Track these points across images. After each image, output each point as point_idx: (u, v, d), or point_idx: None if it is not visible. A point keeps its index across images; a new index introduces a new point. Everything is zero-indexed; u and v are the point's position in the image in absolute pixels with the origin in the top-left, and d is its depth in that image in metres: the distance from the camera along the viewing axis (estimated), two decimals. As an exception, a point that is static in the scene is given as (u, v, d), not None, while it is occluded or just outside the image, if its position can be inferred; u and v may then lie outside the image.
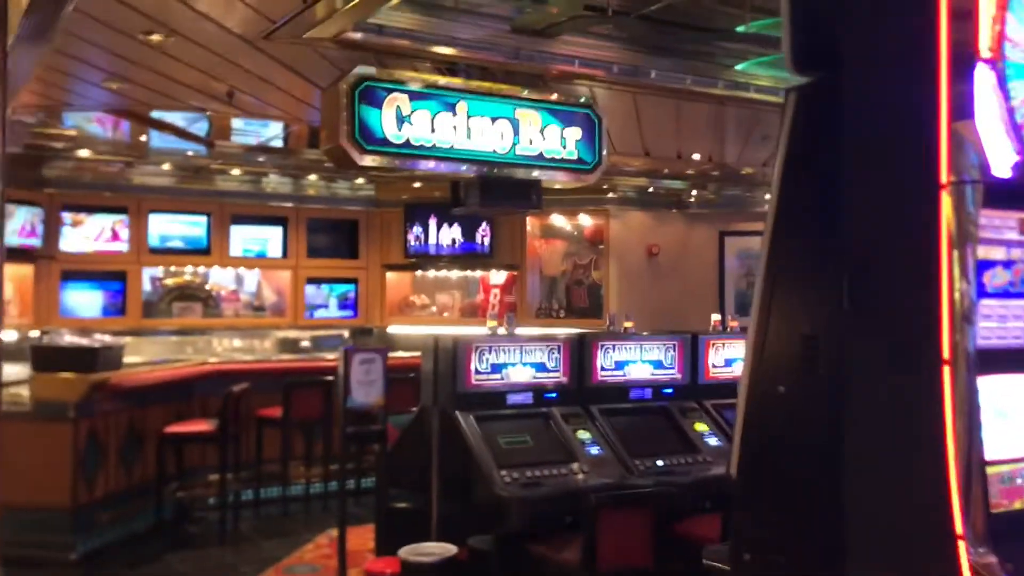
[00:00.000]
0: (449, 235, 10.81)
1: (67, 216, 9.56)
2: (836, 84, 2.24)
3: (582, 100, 4.92)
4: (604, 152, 4.95)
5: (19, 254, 8.89)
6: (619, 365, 5.23)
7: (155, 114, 6.92)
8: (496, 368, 4.89)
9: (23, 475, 6.22)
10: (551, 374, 5.03)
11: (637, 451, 4.87)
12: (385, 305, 11.23)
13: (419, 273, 11.33)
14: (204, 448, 7.46)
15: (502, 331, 5.07)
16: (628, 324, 5.40)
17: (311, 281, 10.93)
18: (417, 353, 8.69)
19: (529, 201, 4.97)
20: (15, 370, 6.85)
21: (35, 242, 9.03)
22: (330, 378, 7.84)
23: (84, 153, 8.37)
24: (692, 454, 5.01)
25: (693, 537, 4.45)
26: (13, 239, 8.71)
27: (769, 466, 2.48)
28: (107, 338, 6.64)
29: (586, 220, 11.08)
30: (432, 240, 10.84)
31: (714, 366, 5.51)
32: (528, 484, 4.40)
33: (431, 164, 4.55)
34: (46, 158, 8.79)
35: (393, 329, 11.34)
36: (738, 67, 4.25)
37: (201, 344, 10.52)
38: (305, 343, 11.13)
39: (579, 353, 5.12)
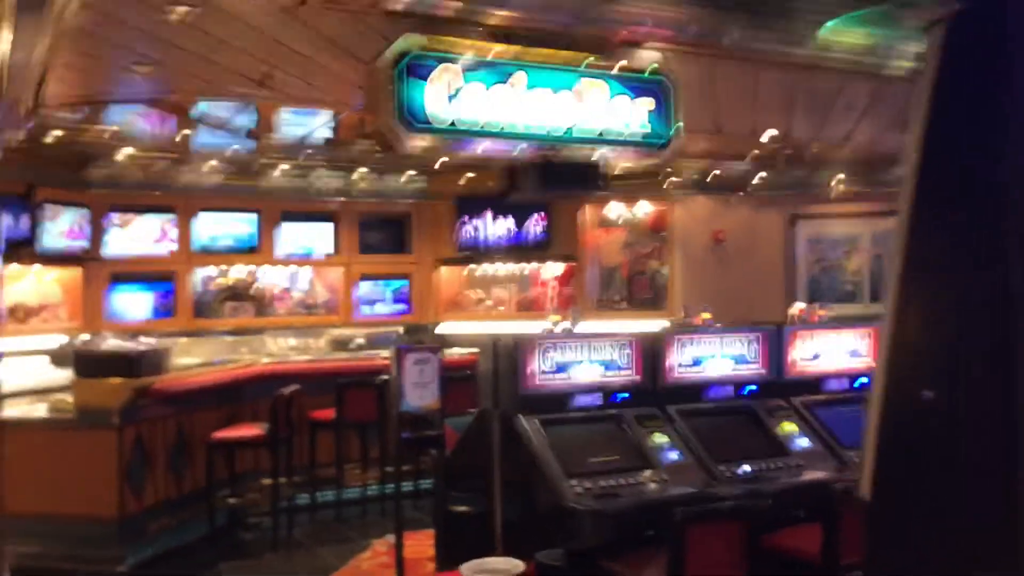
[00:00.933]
0: (503, 227, 10.42)
1: (114, 217, 9.35)
2: (997, 5, 1.77)
3: (653, 67, 4.46)
4: (680, 125, 4.49)
5: (66, 257, 8.70)
6: (696, 361, 4.78)
7: (200, 108, 6.65)
8: (561, 367, 4.47)
9: (68, 485, 6.00)
10: (622, 372, 4.60)
11: (720, 455, 4.42)
12: (439, 301, 10.87)
13: (473, 267, 10.95)
14: (256, 452, 7.18)
15: (565, 326, 4.65)
16: (706, 316, 4.95)
17: (363, 278, 10.61)
18: (474, 350, 8.38)
19: (593, 183, 4.53)
20: (64, 375, 6.62)
21: (82, 244, 8.83)
22: (384, 378, 7.49)
23: (128, 151, 8.12)
24: (781, 458, 4.55)
25: (788, 551, 4.00)
26: (60, 241, 8.52)
27: (914, 485, 2.02)
28: (151, 341, 6.38)
29: (646, 207, 10.59)
30: (485, 233, 10.46)
31: (800, 360, 5.03)
32: (601, 495, 3.99)
33: (484, 144, 4.13)
34: (91, 158, 8.57)
35: (447, 326, 10.98)
36: (827, 24, 3.76)
37: (256, 344, 10.26)
38: (359, 341, 10.81)
39: (652, 349, 4.69)
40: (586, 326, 9.75)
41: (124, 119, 7.38)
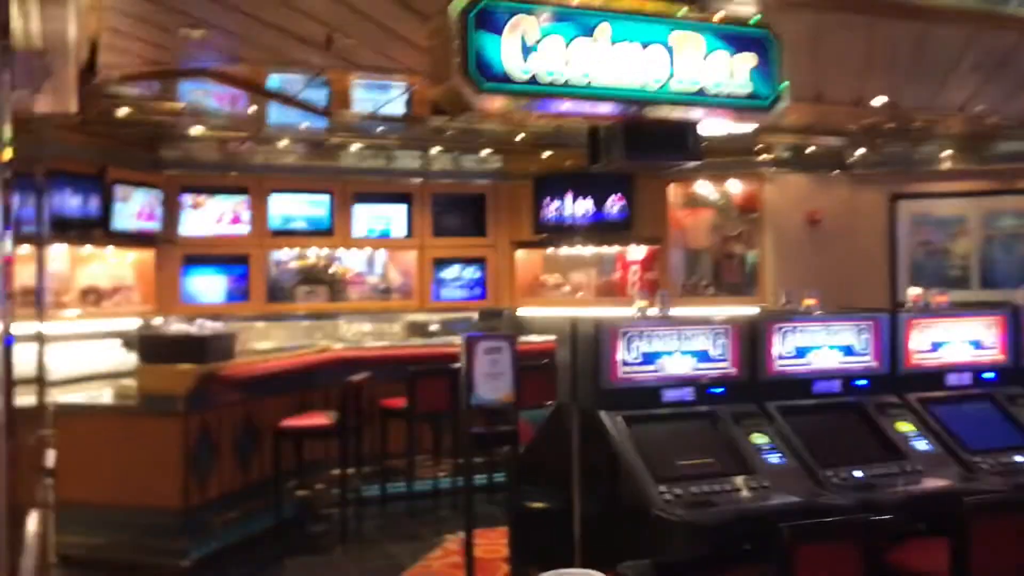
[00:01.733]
0: (583, 207, 9.96)
1: (187, 199, 9.22)
2: None
3: (755, 19, 3.96)
4: (786, 85, 3.97)
5: (138, 238, 8.58)
6: (800, 352, 4.29)
7: (272, 82, 6.37)
8: (648, 358, 4.03)
9: (132, 474, 5.81)
10: (716, 364, 4.13)
11: (827, 459, 3.93)
12: (515, 285, 10.49)
13: (551, 250, 10.53)
14: (326, 442, 6.92)
15: (653, 312, 4.20)
16: (810, 302, 4.43)
17: (438, 261, 10.30)
18: (552, 337, 7.96)
19: (689, 150, 4.04)
20: (133, 360, 6.43)
21: (154, 226, 8.70)
22: (458, 366, 7.15)
23: (199, 130, 7.92)
24: (896, 462, 4.03)
25: (912, 570, 3.50)
26: (132, 223, 8.39)
27: None
28: (218, 326, 6.14)
29: (735, 186, 10.01)
30: (565, 214, 10.01)
31: (918, 352, 4.48)
32: (695, 503, 3.54)
33: (564, 104, 3.66)
34: (163, 138, 8.42)
35: (524, 311, 10.60)
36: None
37: (330, 329, 10.06)
38: (434, 327, 10.52)
39: (751, 338, 4.20)
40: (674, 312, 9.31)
41: (195, 96, 7.16)
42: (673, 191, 10.01)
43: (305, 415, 6.58)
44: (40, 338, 4.22)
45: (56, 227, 7.66)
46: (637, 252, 10.24)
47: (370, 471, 7.17)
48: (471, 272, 10.50)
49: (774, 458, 3.88)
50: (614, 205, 9.91)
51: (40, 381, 4.11)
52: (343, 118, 7.55)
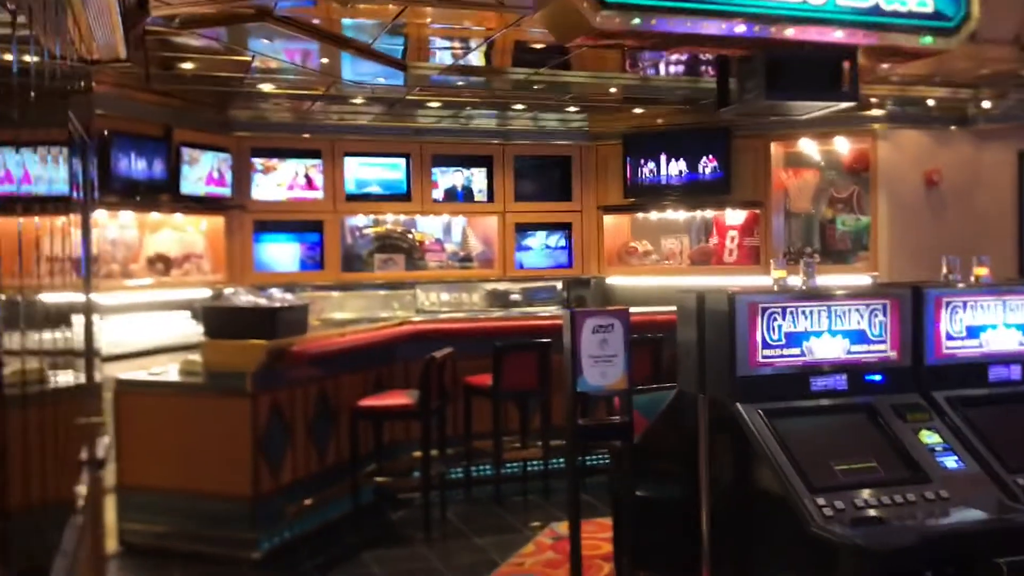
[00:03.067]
0: (676, 168, 9.23)
1: (258, 162, 8.76)
2: None
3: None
4: (974, 3, 3.22)
5: (207, 204, 8.16)
6: (972, 332, 3.57)
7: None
8: (793, 339, 3.36)
9: (197, 457, 5.38)
10: (874, 347, 3.44)
11: (1017, 463, 3.21)
12: (602, 253, 9.82)
13: (641, 215, 9.82)
14: (406, 423, 6.41)
15: (793, 283, 3.52)
16: (981, 271, 3.70)
17: (520, 227, 9.69)
18: (647, 310, 7.34)
19: (842, 87, 3.32)
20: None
21: (223, 191, 8.27)
22: (546, 341, 6.56)
23: (269, 88, 7.42)
24: (1100, 467, 3.29)
25: None
26: (199, 187, 7.96)
27: None
28: (289, 297, 5.63)
29: (843, 145, 9.15)
30: (658, 176, 9.29)
31: (1116, 332, 3.71)
32: (862, 520, 2.88)
33: (687, 23, 2.95)
34: (232, 98, 7.94)
35: (612, 280, 9.95)
36: None
37: (407, 299, 9.57)
38: (515, 296, 9.95)
39: (914, 315, 3.49)
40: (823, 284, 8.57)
41: (265, 46, 6.63)
42: (774, 149, 9.19)
43: (384, 394, 6.07)
44: (88, 310, 3.73)
45: (121, 192, 7.26)
46: (735, 217, 9.48)
47: (453, 453, 6.64)
48: (556, 239, 9.88)
49: (950, 462, 3.19)
50: (708, 166, 9.15)
51: (87, 358, 3.64)
52: (420, 72, 6.95)
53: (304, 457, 5.75)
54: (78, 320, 3.69)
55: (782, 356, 3.34)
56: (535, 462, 6.88)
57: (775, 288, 3.53)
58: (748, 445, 3.19)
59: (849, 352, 3.41)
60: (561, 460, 7.02)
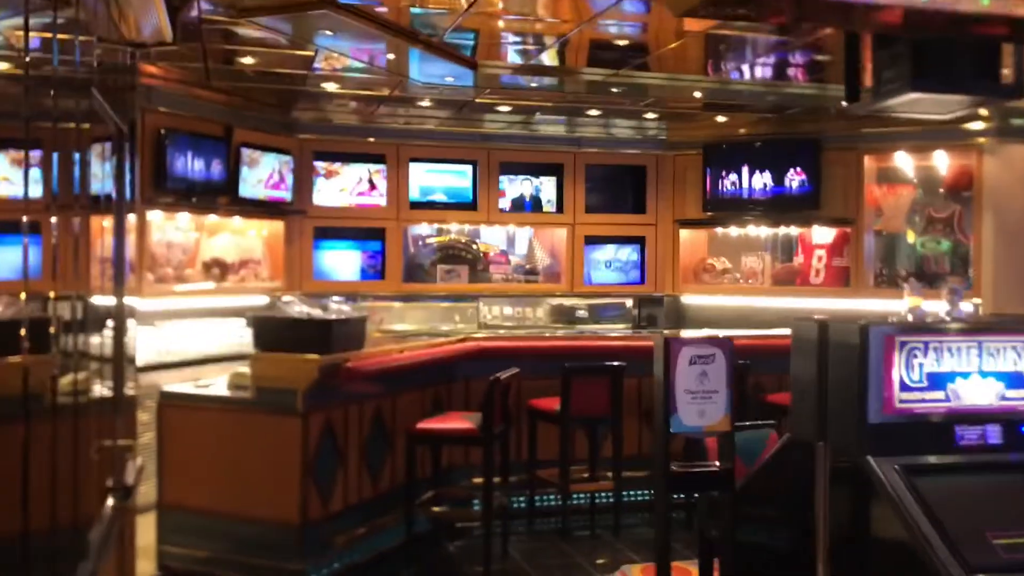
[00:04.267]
0: (760, 182, 8.64)
1: (320, 166, 8.42)
2: None
3: None
4: None
5: (266, 207, 7.82)
6: None
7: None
8: (936, 381, 2.81)
9: (242, 478, 4.98)
10: (1034, 392, 2.87)
11: None
12: (678, 269, 9.27)
13: (720, 231, 9.24)
14: (466, 447, 5.96)
15: (932, 310, 2.97)
16: None
17: (590, 240, 9.19)
18: (737, 334, 6.82)
19: (996, 80, 2.76)
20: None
21: (284, 194, 7.93)
22: (620, 364, 6.05)
23: (333, 87, 7.05)
24: None
25: None
26: (259, 190, 7.63)
27: None
28: (346, 308, 5.21)
29: (943, 160, 8.46)
30: (739, 189, 8.72)
31: None
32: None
33: None
34: (295, 97, 7.61)
35: (687, 299, 9.38)
36: None
37: (469, 313, 9.14)
38: (581, 312, 9.46)
39: (1082, 355, 2.91)
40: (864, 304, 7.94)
41: (329, 40, 6.28)
42: (867, 163, 8.55)
43: (444, 416, 5.61)
44: (120, 316, 3.35)
45: (177, 193, 6.96)
46: (823, 235, 8.84)
47: (516, 481, 6.15)
48: (627, 253, 9.35)
49: None
50: (796, 180, 8.56)
51: (117, 369, 3.25)
52: (490, 71, 6.51)
53: (356, 482, 5.31)
54: (108, 327, 3.32)
55: (923, 401, 2.79)
56: (604, 495, 6.35)
57: (909, 318, 2.98)
58: (881, 508, 2.64)
59: (1004, 398, 2.84)
60: (633, 493, 6.51)
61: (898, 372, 2.76)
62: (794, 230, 9.05)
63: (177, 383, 5.67)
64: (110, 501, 3.05)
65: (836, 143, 8.47)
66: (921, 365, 2.78)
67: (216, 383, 5.43)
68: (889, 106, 2.88)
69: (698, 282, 9.32)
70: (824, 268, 8.80)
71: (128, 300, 3.66)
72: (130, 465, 3.49)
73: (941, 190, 8.56)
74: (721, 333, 6.16)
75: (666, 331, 7.65)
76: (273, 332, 5.01)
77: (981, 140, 8.12)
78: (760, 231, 9.15)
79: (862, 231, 8.51)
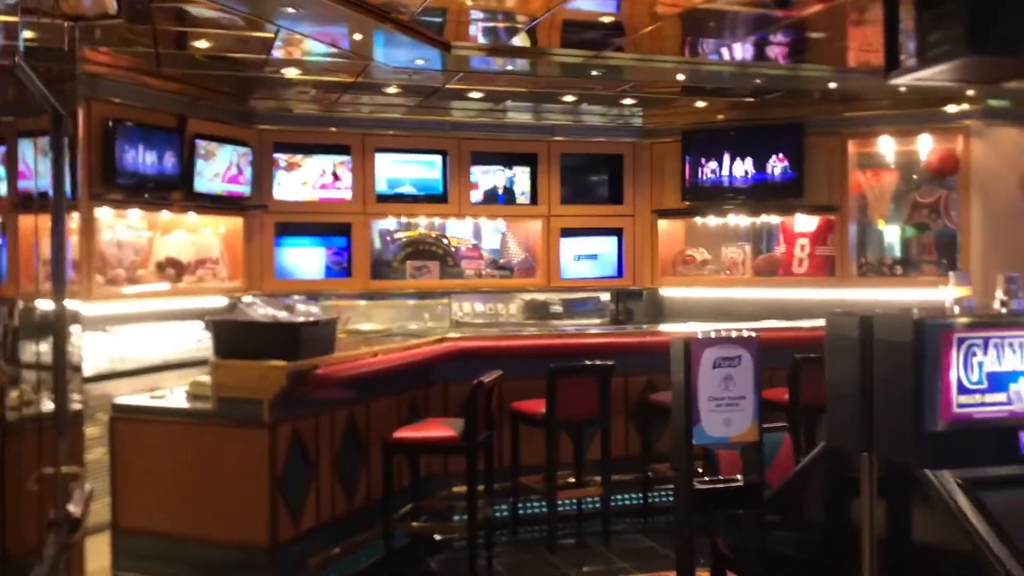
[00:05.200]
0: (740, 169, 8.35)
1: (281, 158, 7.96)
2: None
3: None
4: None
5: (223, 203, 7.36)
6: None
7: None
8: (996, 382, 2.48)
9: (206, 498, 4.56)
10: (1104, 392, 2.55)
11: None
12: (656, 261, 8.94)
13: (699, 220, 8.93)
14: (447, 456, 5.59)
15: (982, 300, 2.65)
16: None
17: (566, 233, 8.83)
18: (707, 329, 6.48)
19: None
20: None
21: (242, 188, 7.47)
22: (608, 364, 5.70)
23: (294, 73, 6.61)
24: None
25: None
26: (216, 185, 7.17)
27: None
28: (314, 310, 4.80)
29: (927, 143, 8.22)
30: (719, 176, 8.42)
31: None
32: None
33: None
34: (253, 85, 7.14)
35: (666, 292, 9.07)
36: None
37: (439, 310, 8.76)
38: (556, 308, 9.13)
39: None
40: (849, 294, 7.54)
41: (290, 18, 5.85)
42: (851, 148, 8.29)
43: (422, 424, 5.22)
44: (61, 322, 2.92)
45: (128, 188, 6.48)
46: (805, 223, 8.57)
47: (500, 487, 5.78)
48: (604, 245, 9.00)
49: None
50: (778, 166, 8.27)
51: (58, 384, 2.83)
52: (461, 53, 6.11)
53: (330, 497, 4.91)
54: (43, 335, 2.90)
55: (983, 405, 2.47)
56: (591, 500, 6.01)
57: (955, 310, 2.65)
58: (940, 525, 2.31)
59: (1071, 399, 2.52)
60: (623, 497, 6.20)
61: (956, 373, 2.43)
62: (775, 219, 8.77)
63: (131, 394, 5.23)
64: (53, 536, 2.65)
65: (819, 128, 8.21)
66: (981, 364, 2.45)
67: (174, 393, 4.99)
68: (933, 75, 2.54)
69: (677, 274, 9.00)
70: (807, 257, 8.53)
71: (72, 304, 3.22)
72: (77, 494, 3.06)
73: (915, 176, 8.33)
74: (739, 329, 5.87)
75: (668, 327, 7.32)
76: (235, 337, 4.58)
77: (967, 123, 7.90)
78: (740, 220, 8.85)
79: (847, 218, 8.25)
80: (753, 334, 2.74)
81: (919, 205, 8.33)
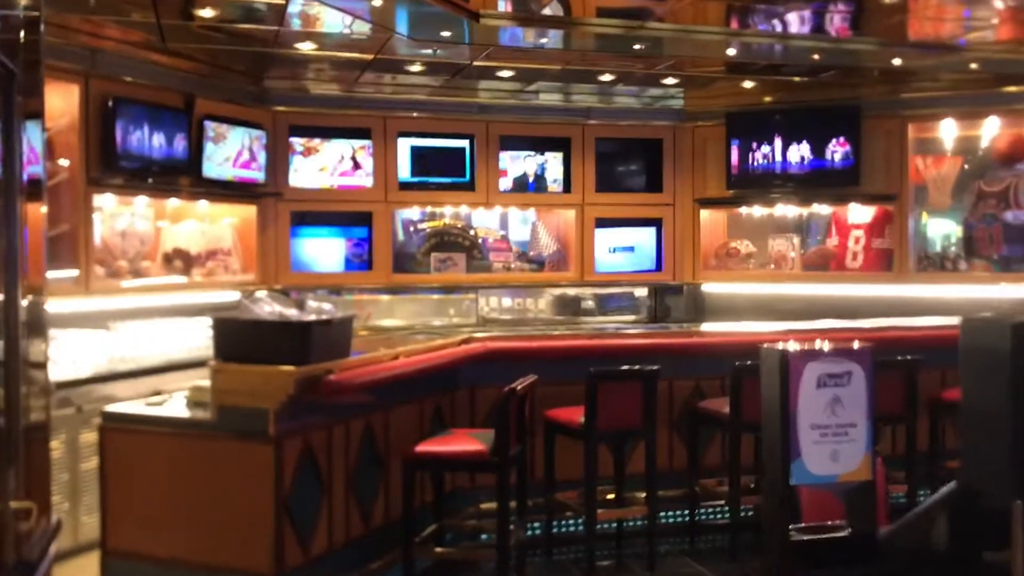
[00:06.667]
0: (796, 155, 7.73)
1: (297, 142, 7.44)
2: None
3: None
4: None
5: (235, 190, 6.86)
6: None
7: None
8: None
9: (205, 519, 4.05)
10: None
11: None
12: (698, 254, 8.36)
13: (744, 211, 8.33)
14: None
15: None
16: None
17: (601, 223, 8.26)
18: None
19: None
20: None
21: (255, 174, 6.96)
22: (654, 368, 5.12)
23: (309, 48, 6.08)
24: None
25: None
26: (226, 170, 6.66)
27: None
28: (328, 307, 4.26)
29: (992, 127, 7.58)
30: (772, 163, 7.81)
31: None
32: None
33: None
34: (266, 62, 6.61)
35: (708, 287, 8.47)
36: None
37: (465, 305, 8.25)
38: (588, 303, 8.59)
39: None
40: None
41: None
42: (911, 132, 7.66)
43: (448, 436, 4.67)
44: (11, 320, 2.41)
45: (131, 173, 6.00)
46: (860, 213, 7.95)
47: (533, 503, 5.22)
48: (642, 236, 8.42)
49: None
50: (837, 152, 7.66)
51: (11, 395, 2.33)
52: (491, 23, 5.55)
53: (343, 518, 4.38)
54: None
55: None
56: (636, 519, 5.44)
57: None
58: None
59: None
60: (667, 515, 5.63)
61: None
62: (825, 209, 8.15)
63: (133, 397, 4.75)
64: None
65: (876, 110, 7.59)
66: None
67: (172, 399, 4.47)
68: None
69: (720, 268, 8.41)
70: (862, 251, 7.91)
71: (33, 300, 2.70)
72: (37, 535, 2.55)
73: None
74: (840, 331, 5.25)
75: (717, 326, 6.74)
76: (238, 338, 4.06)
77: (1040, 104, 7.25)
78: (787, 210, 8.24)
79: (906, 208, 7.63)
80: (866, 343, 2.16)
81: (985, 194, 7.68)
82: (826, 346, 2.16)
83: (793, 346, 2.19)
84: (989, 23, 5.95)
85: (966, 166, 7.78)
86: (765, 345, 2.23)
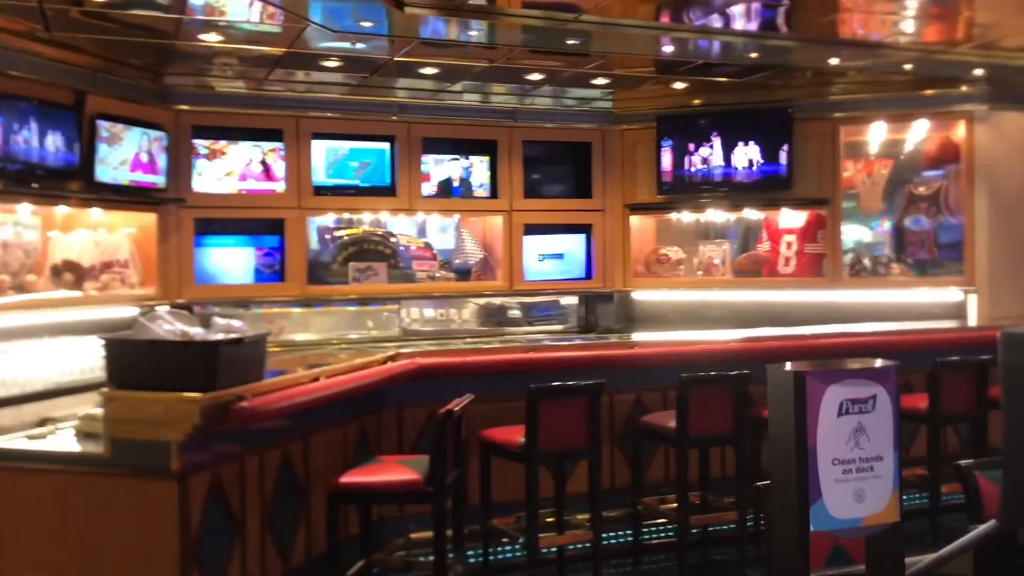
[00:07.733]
0: (717, 158, 7.54)
1: (201, 144, 6.89)
2: None
3: None
4: None
5: (132, 195, 6.28)
6: None
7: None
8: None
9: (99, 569, 3.50)
10: None
11: None
12: (628, 262, 8.08)
13: (674, 216, 8.09)
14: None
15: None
16: None
17: (529, 229, 7.92)
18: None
19: None
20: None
21: (155, 179, 6.39)
22: (599, 382, 4.76)
23: (214, 39, 5.56)
24: None
25: None
26: (122, 174, 6.08)
27: None
28: (237, 324, 3.77)
29: (921, 129, 7.51)
30: (708, 169, 7.60)
31: None
32: None
33: None
34: (167, 56, 6.05)
35: (639, 295, 8.20)
36: None
37: (385, 317, 7.81)
38: (514, 312, 8.22)
39: None
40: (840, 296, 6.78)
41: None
42: (843, 135, 7.53)
43: (376, 465, 4.22)
44: None
45: (12, 176, 5.38)
46: (792, 219, 7.78)
47: (466, 531, 4.80)
48: (571, 243, 8.10)
49: None
50: (769, 156, 7.47)
51: None
52: (415, 11, 5.13)
53: (259, 560, 3.89)
54: None
55: None
56: (577, 543, 5.07)
57: None
58: None
59: None
60: (617, 535, 5.29)
61: None
62: (756, 214, 7.97)
63: (15, 429, 4.15)
64: None
65: (808, 113, 7.44)
66: None
67: (59, 431, 3.92)
68: None
69: (649, 275, 8.15)
70: (795, 256, 7.74)
71: None
72: None
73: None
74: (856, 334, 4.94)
75: (653, 335, 6.44)
76: (135, 361, 3.54)
77: (970, 107, 7.19)
78: (717, 216, 8.04)
79: (838, 213, 7.49)
80: (889, 363, 1.83)
81: (915, 197, 7.60)
82: (848, 365, 1.83)
83: (806, 366, 1.84)
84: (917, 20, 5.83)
85: (899, 169, 7.70)
86: (777, 372, 1.88)
